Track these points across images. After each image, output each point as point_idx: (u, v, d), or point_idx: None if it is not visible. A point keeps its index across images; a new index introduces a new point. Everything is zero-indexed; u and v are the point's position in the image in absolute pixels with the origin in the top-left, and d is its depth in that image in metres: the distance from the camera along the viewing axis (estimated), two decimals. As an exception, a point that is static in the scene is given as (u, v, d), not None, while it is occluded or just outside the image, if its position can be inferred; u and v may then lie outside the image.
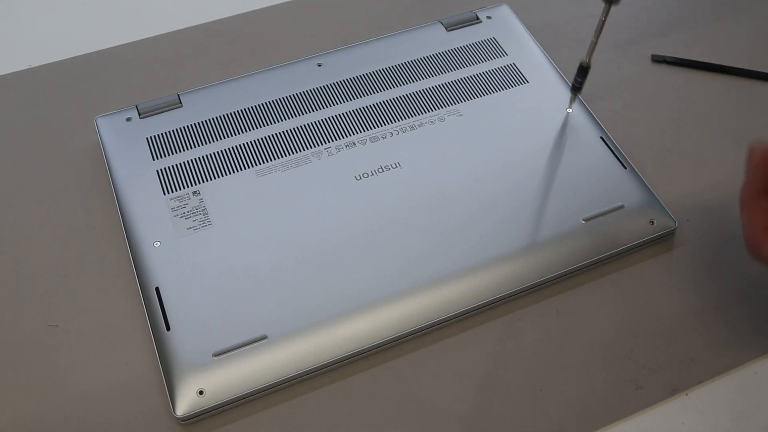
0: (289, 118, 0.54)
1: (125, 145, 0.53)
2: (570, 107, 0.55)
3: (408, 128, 0.54)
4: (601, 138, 0.53)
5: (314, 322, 0.44)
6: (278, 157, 0.52)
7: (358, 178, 0.51)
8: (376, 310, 0.45)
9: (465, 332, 0.46)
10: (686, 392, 0.44)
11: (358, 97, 0.56)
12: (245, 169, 0.51)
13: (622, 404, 0.43)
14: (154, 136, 0.53)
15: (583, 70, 0.53)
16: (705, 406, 0.44)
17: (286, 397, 0.44)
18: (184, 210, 0.49)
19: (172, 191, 0.50)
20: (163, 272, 0.46)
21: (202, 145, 0.53)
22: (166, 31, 0.65)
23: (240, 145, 0.53)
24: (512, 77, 0.57)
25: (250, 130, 0.54)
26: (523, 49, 0.59)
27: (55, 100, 0.60)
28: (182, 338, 0.44)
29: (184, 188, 0.50)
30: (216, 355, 0.43)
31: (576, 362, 0.45)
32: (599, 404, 0.43)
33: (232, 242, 0.47)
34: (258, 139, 0.53)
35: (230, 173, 0.51)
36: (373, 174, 0.51)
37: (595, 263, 0.48)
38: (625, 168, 0.52)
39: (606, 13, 0.49)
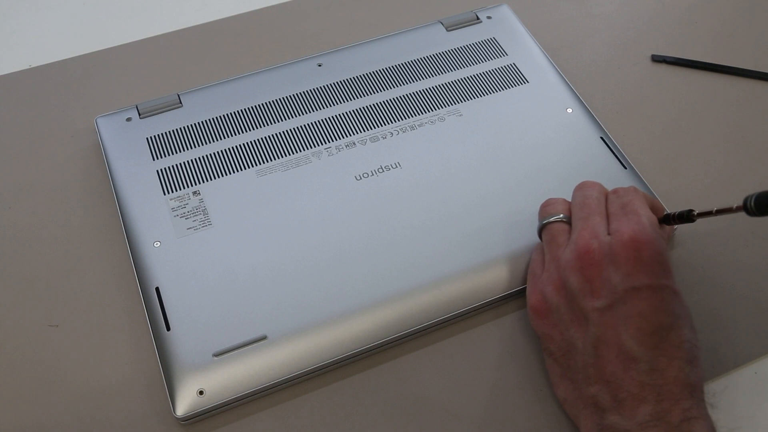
0: (289, 118, 0.54)
1: (125, 145, 0.53)
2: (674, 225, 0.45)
3: (408, 128, 0.54)
4: (601, 138, 0.53)
5: (314, 322, 0.44)
6: (278, 157, 0.52)
7: (358, 178, 0.51)
8: (376, 310, 0.45)
9: (465, 332, 0.46)
10: (686, 392, 0.44)
11: (358, 97, 0.56)
12: (245, 169, 0.51)
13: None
14: (154, 136, 0.53)
15: (684, 217, 0.43)
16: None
17: (286, 397, 0.44)
18: (184, 210, 0.49)
19: (172, 191, 0.50)
20: (163, 272, 0.46)
21: (202, 145, 0.53)
22: (166, 31, 0.65)
23: (240, 145, 0.53)
24: (512, 77, 0.57)
25: (250, 130, 0.54)
26: (523, 49, 0.59)
27: (55, 100, 0.60)
28: (182, 338, 0.44)
29: (184, 188, 0.50)
30: (216, 355, 0.43)
31: (576, 362, 0.45)
32: (599, 404, 0.43)
33: (232, 242, 0.47)
34: (258, 139, 0.53)
35: (230, 173, 0.51)
36: (373, 174, 0.51)
37: (595, 263, 0.48)
38: (625, 168, 0.52)
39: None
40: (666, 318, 0.38)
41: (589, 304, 0.39)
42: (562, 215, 0.44)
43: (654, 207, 0.44)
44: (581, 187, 0.45)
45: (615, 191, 0.44)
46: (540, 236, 0.46)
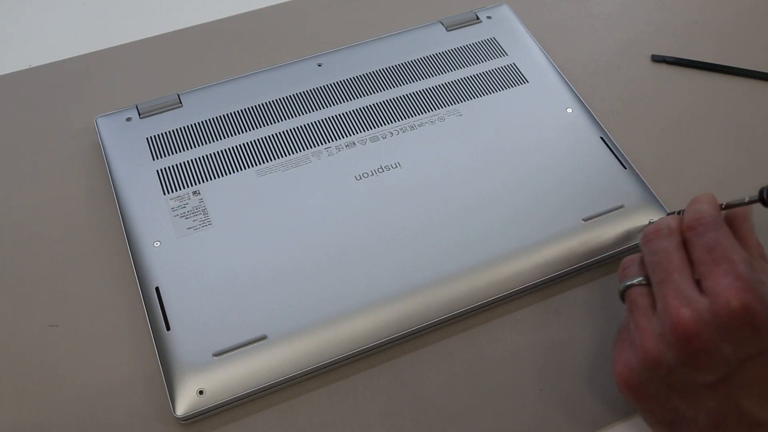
0: (289, 118, 0.54)
1: (125, 145, 0.53)
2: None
3: (408, 128, 0.54)
4: (601, 138, 0.53)
5: (314, 322, 0.44)
6: (278, 157, 0.52)
7: (358, 178, 0.51)
8: (376, 310, 0.45)
9: (465, 332, 0.46)
10: (686, 392, 0.44)
11: (358, 97, 0.56)
12: (245, 169, 0.51)
13: (623, 404, 0.43)
14: (154, 136, 0.53)
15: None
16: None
17: (286, 397, 0.44)
18: (184, 210, 0.49)
19: (172, 191, 0.50)
20: (163, 272, 0.46)
21: (202, 145, 0.53)
22: (166, 31, 0.65)
23: (240, 145, 0.53)
24: (512, 77, 0.57)
25: (250, 130, 0.54)
26: (523, 49, 0.59)
27: (55, 100, 0.60)
28: (182, 338, 0.44)
29: (184, 188, 0.50)
30: (216, 355, 0.43)
31: (576, 362, 0.45)
32: (599, 404, 0.43)
33: (232, 242, 0.47)
34: (258, 139, 0.53)
35: (230, 173, 0.51)
36: (373, 174, 0.51)
37: (595, 263, 0.48)
38: (625, 168, 0.52)
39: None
40: None
41: (697, 379, 0.36)
42: (641, 277, 0.39)
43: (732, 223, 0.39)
44: (646, 240, 0.40)
45: (691, 226, 0.38)
46: (622, 299, 0.41)
